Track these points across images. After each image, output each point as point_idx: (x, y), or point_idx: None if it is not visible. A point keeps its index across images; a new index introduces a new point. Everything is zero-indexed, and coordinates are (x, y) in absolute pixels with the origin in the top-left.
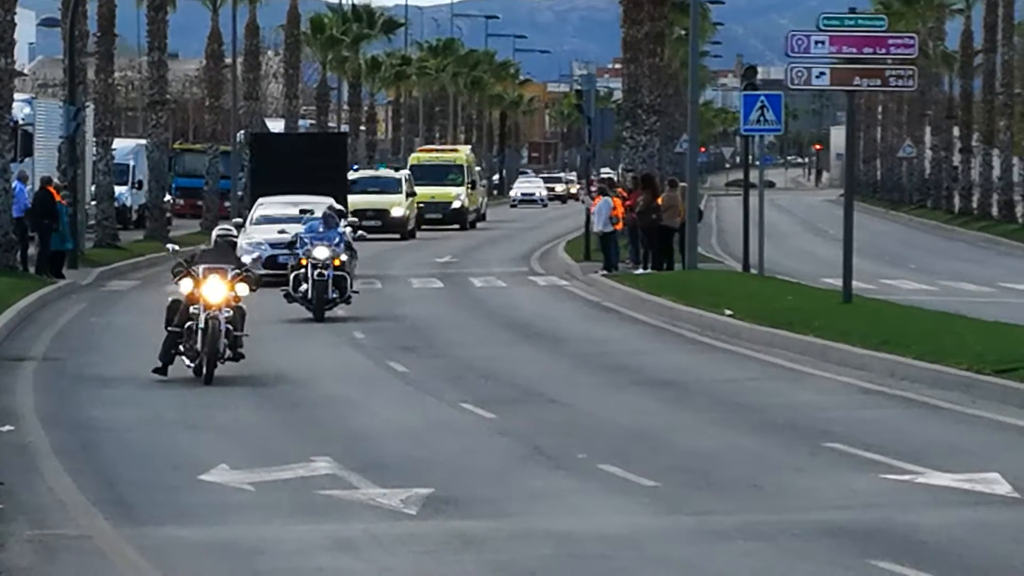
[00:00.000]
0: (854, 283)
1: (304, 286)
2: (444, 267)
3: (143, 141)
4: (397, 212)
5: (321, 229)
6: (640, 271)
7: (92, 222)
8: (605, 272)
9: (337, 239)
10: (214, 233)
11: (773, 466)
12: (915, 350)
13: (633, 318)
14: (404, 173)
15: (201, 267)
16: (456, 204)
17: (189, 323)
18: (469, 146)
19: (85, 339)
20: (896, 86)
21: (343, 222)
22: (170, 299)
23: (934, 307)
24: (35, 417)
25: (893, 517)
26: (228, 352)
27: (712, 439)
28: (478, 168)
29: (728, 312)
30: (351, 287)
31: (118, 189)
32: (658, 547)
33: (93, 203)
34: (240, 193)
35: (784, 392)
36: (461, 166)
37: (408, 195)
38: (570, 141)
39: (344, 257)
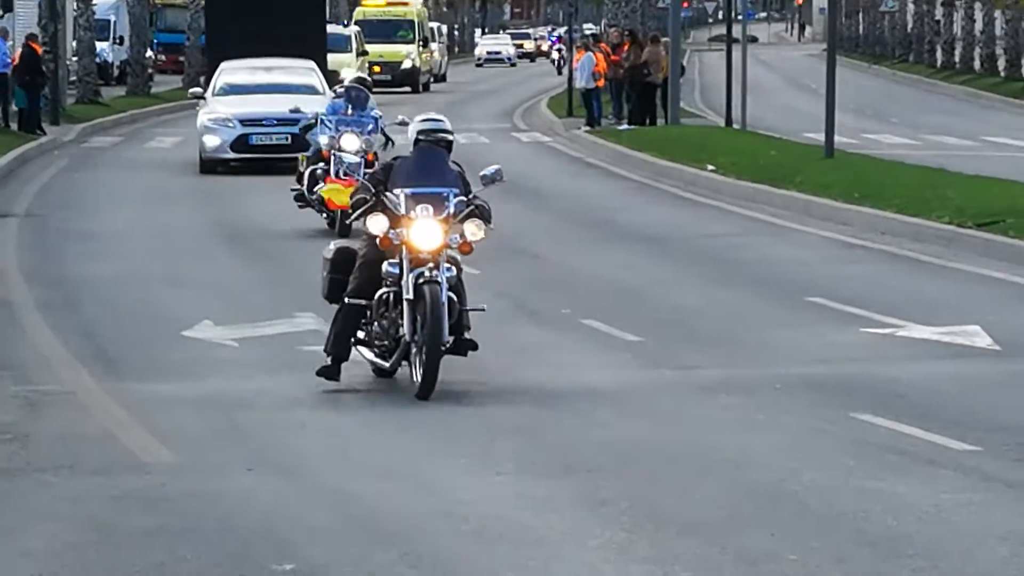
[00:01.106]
0: (836, 138)
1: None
2: None
3: None
4: (347, 75)
5: (349, 111)
6: (623, 127)
7: (73, 78)
8: (588, 128)
9: (371, 125)
10: (411, 129)
11: (755, 321)
12: (897, 204)
13: (616, 174)
14: (353, 29)
15: (402, 193)
16: (407, 64)
17: (383, 292)
18: None
19: (68, 195)
20: None
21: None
22: (333, 246)
23: (916, 161)
24: (18, 273)
25: (874, 370)
26: (448, 339)
27: (695, 294)
28: (436, 25)
29: (711, 167)
30: None
31: (99, 45)
32: (641, 401)
33: (74, 59)
34: None
35: (765, 247)
36: (412, 21)
37: (359, 54)
38: None
39: (379, 151)
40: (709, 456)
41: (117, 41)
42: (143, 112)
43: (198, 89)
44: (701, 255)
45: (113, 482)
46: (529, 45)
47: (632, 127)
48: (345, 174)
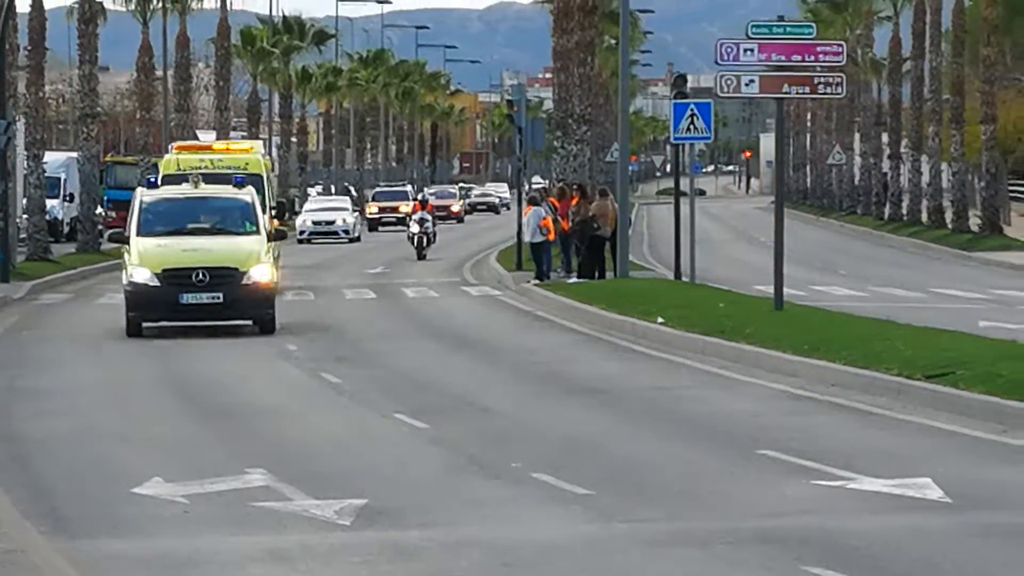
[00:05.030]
0: (785, 290)
1: None
2: (376, 278)
3: (74, 154)
4: (259, 274)
5: None
6: (573, 280)
7: (24, 236)
8: (537, 281)
9: None
10: None
11: (706, 473)
12: (846, 356)
13: (565, 327)
14: (249, 191)
15: None
16: None
17: None
18: (260, 141)
19: (17, 352)
20: (825, 93)
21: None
22: None
23: (865, 313)
24: None
25: (826, 523)
26: None
27: (645, 447)
28: (273, 175)
29: (660, 320)
30: None
31: (49, 202)
32: (591, 555)
33: (24, 216)
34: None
35: (716, 399)
36: (258, 176)
37: (271, 237)
38: (501, 151)
39: None
40: None
41: (67, 198)
42: (93, 268)
43: None
44: (651, 408)
45: None
46: (406, 207)
47: (581, 280)
48: None
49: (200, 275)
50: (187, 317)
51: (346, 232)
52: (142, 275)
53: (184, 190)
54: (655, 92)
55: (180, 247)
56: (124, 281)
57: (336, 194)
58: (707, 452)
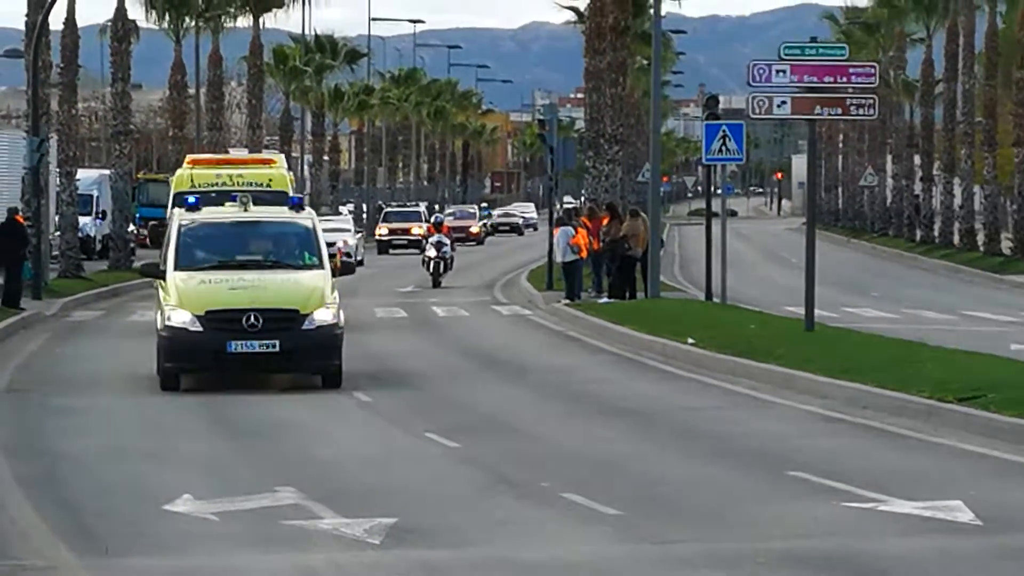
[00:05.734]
0: (816, 311)
1: None
2: (407, 296)
3: (107, 171)
4: (324, 318)
5: None
6: (603, 300)
7: (56, 253)
8: (568, 301)
9: None
10: None
11: (736, 494)
12: (877, 378)
13: (596, 347)
14: (310, 215)
15: None
16: None
17: None
18: (282, 154)
19: (50, 370)
20: (857, 115)
21: None
22: None
23: (896, 335)
24: None
25: (856, 545)
26: None
27: (675, 468)
28: (305, 193)
29: (691, 341)
30: None
31: (82, 219)
32: (621, 575)
33: (57, 234)
34: None
35: (747, 420)
36: (283, 193)
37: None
38: (533, 170)
39: None
40: None
41: (100, 216)
42: (125, 286)
43: None
44: (682, 428)
45: None
46: (418, 230)
47: (612, 300)
48: None
49: (252, 318)
50: (235, 369)
51: (347, 255)
52: (181, 318)
53: (230, 212)
54: (687, 113)
55: (227, 284)
56: (158, 324)
57: (369, 213)
58: (737, 473)
